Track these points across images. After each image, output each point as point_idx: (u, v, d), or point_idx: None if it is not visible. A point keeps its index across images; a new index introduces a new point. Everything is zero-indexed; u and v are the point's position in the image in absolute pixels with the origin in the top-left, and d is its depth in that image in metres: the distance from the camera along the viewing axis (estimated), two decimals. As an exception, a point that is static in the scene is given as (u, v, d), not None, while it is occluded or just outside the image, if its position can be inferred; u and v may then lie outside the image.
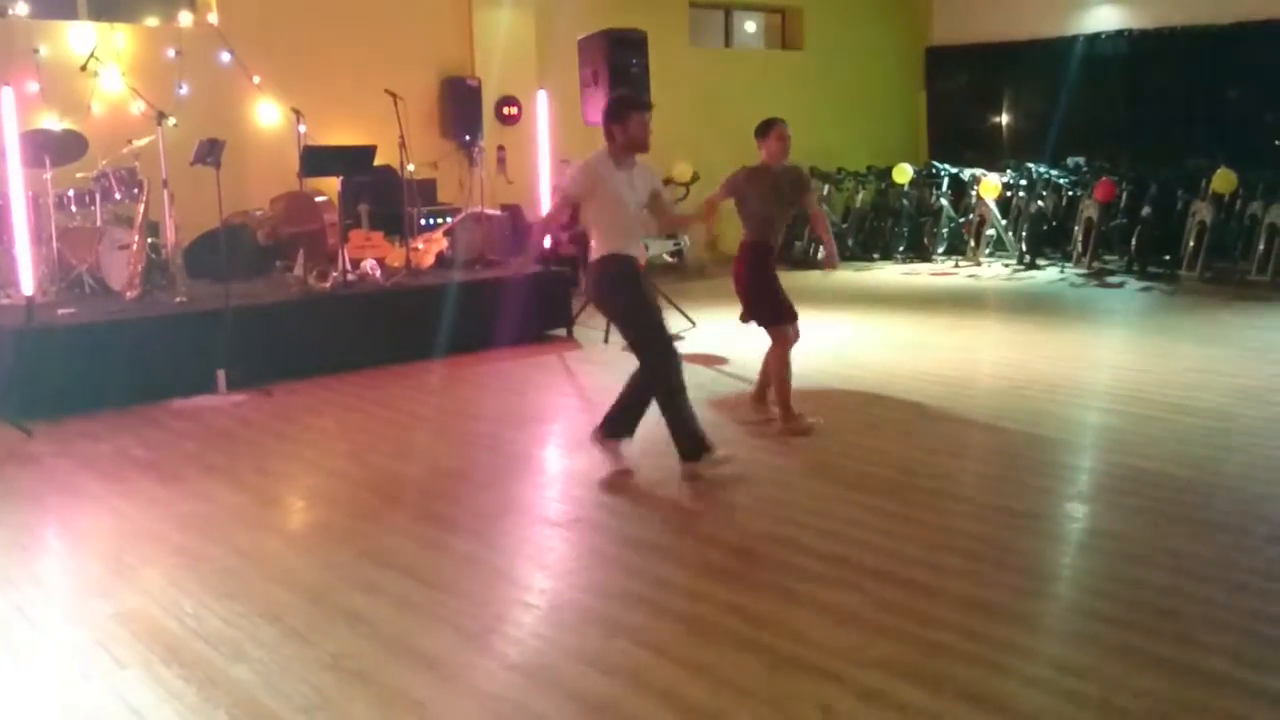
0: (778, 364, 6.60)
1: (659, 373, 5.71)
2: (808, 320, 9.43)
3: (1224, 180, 12.10)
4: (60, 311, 7.86)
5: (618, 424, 5.87)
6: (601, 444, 5.90)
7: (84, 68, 9.38)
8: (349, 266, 9.04)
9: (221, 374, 7.74)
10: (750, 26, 15.91)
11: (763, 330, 6.71)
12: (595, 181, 5.67)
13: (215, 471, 6.11)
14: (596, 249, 5.78)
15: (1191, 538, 4.88)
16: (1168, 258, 12.64)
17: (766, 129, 6.57)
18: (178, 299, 8.28)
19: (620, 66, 9.86)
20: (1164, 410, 6.96)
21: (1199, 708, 3.42)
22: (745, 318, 6.74)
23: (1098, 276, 12.67)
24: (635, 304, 5.75)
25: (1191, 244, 12.32)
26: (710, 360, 8.75)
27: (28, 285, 7.54)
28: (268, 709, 3.55)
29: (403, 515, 5.40)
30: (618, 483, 5.85)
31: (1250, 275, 11.85)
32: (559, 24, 12.37)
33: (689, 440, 5.77)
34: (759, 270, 6.59)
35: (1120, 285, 12.16)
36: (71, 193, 8.78)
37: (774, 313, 6.61)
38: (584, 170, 5.72)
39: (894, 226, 14.66)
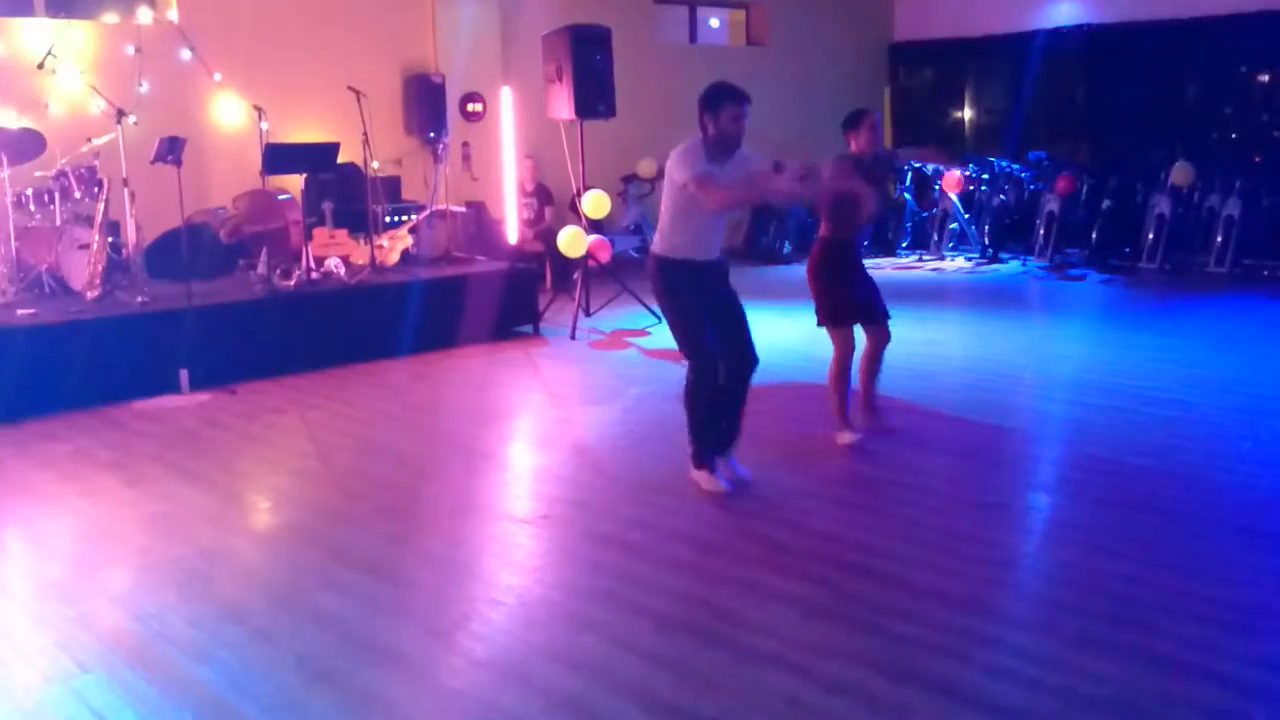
0: (832, 366, 6.26)
1: (695, 394, 5.42)
2: (774, 314, 9.53)
3: (1182, 173, 12.25)
4: (19, 312, 7.77)
5: (708, 444, 5.54)
6: (706, 474, 5.53)
7: (41, 65, 9.25)
8: (313, 265, 8.99)
9: (184, 374, 7.68)
10: (714, 22, 15.92)
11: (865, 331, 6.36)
12: (705, 160, 5.18)
13: (179, 472, 6.06)
14: (662, 240, 5.37)
15: (1151, 527, 4.94)
16: (1128, 250, 12.77)
17: (859, 120, 6.25)
18: (139, 299, 8.19)
19: (584, 62, 9.85)
20: (1124, 401, 7.04)
21: (1159, 694, 3.47)
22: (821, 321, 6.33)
23: (1059, 269, 12.78)
24: (682, 315, 5.37)
25: (1151, 236, 12.46)
26: (676, 356, 8.69)
27: (-14, 286, 7.45)
28: (233, 710, 3.53)
29: (369, 514, 5.38)
30: (585, 479, 5.86)
31: (1209, 267, 12.00)
32: (523, 20, 12.34)
33: (701, 449, 5.54)
34: (833, 266, 6.23)
35: (1081, 278, 12.28)
36: (30, 192, 8.67)
37: (835, 313, 6.24)
38: (691, 149, 5.17)
39: (858, 221, 14.68)
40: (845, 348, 6.25)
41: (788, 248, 13.92)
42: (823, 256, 6.27)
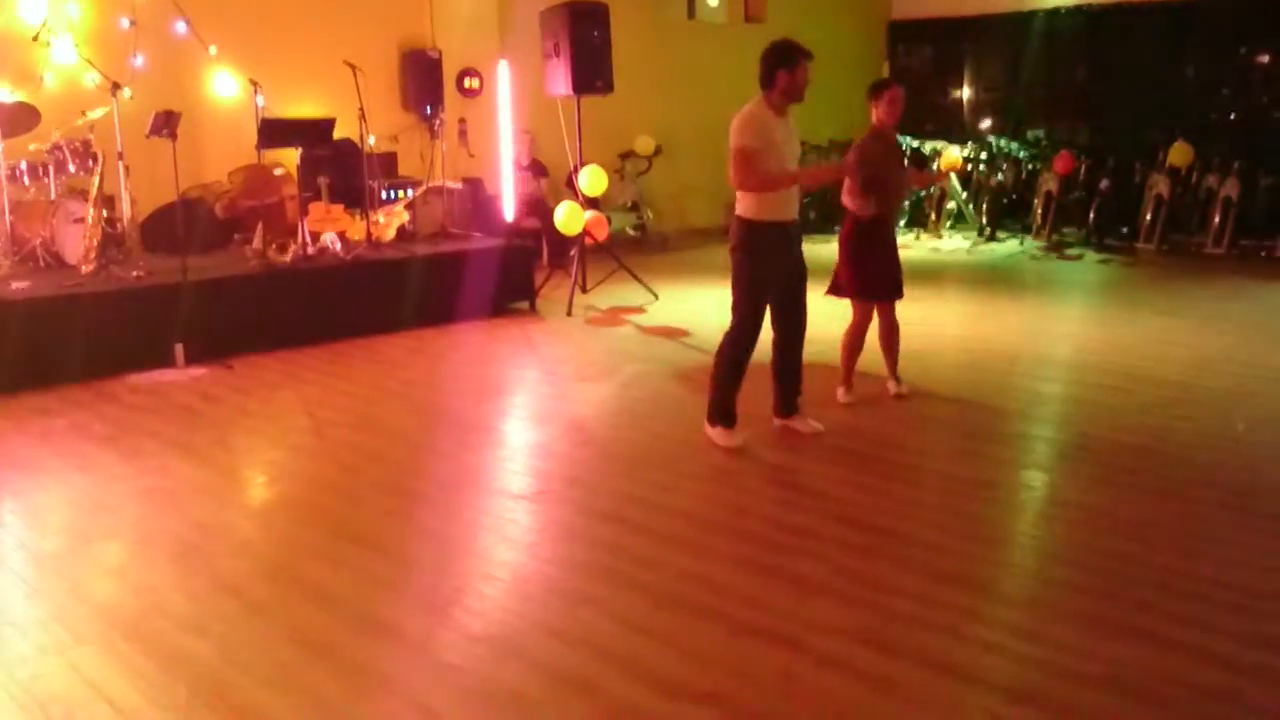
0: (846, 334, 6.60)
1: (737, 342, 5.74)
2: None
3: (1180, 153, 12.23)
4: (14, 285, 7.73)
5: (780, 402, 6.02)
6: (722, 430, 5.84)
7: (36, 38, 9.18)
8: (309, 240, 8.95)
9: (180, 348, 7.65)
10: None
11: (887, 307, 6.62)
12: (763, 135, 5.51)
13: (175, 446, 6.05)
14: (749, 210, 5.63)
15: (1148, 506, 4.95)
16: (1125, 230, 12.75)
17: (880, 90, 6.47)
18: (134, 273, 8.16)
19: (582, 38, 9.80)
20: (1122, 380, 7.04)
21: (1155, 672, 3.48)
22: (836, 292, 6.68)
23: (1057, 249, 12.76)
24: (753, 275, 5.66)
25: (1149, 217, 12.44)
26: (673, 333, 8.75)
27: (-20, 259, 7.41)
28: (229, 683, 3.53)
29: (364, 488, 5.38)
30: (581, 456, 5.86)
31: (1207, 248, 11.98)
32: (520, -5, 12.25)
33: (721, 407, 5.83)
34: (865, 243, 6.46)
35: (1079, 258, 12.26)
36: (25, 165, 8.62)
37: (861, 287, 6.51)
38: (749, 120, 5.52)
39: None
40: (864, 319, 6.58)
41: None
42: (855, 232, 6.49)
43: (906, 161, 6.92)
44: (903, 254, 6.75)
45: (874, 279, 6.48)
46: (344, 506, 5.13)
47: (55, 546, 4.73)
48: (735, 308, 5.75)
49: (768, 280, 5.70)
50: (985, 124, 15.40)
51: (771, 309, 5.79)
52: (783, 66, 5.55)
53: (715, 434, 5.85)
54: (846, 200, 6.48)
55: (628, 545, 4.60)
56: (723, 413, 5.83)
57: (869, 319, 6.59)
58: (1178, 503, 4.99)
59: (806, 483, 5.39)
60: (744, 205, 5.66)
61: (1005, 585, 4.29)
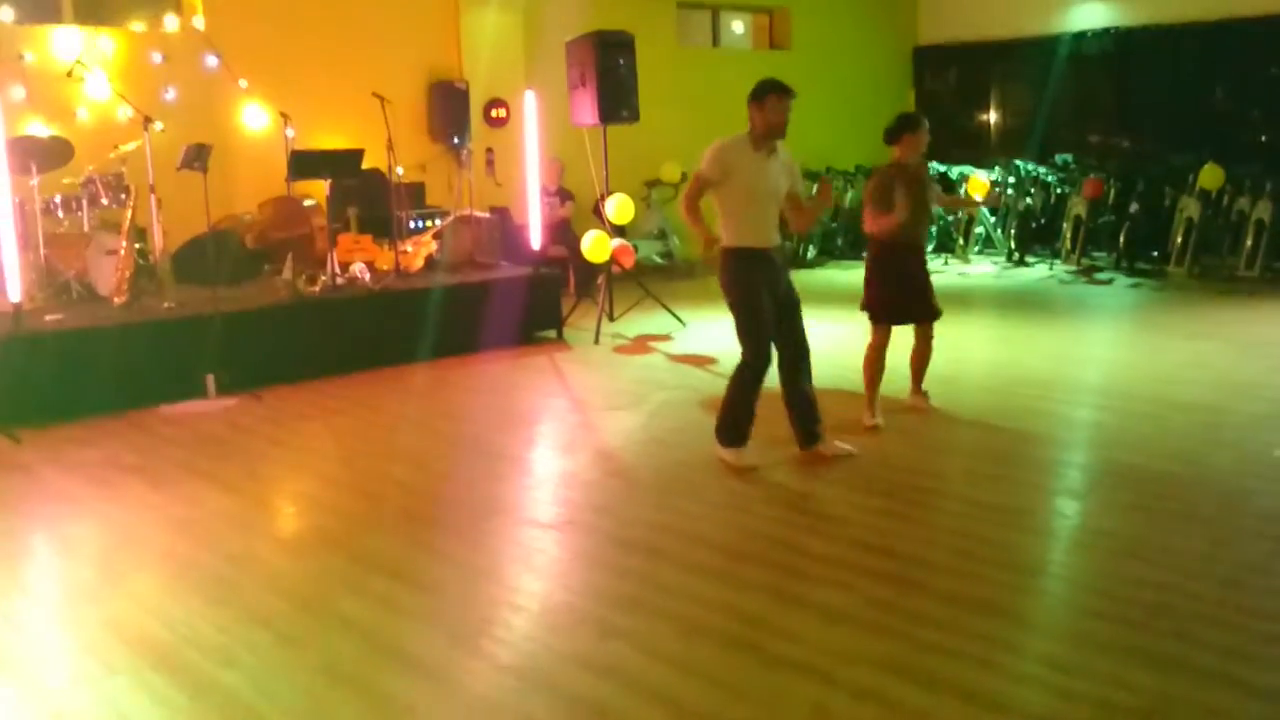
0: (867, 355, 6.70)
1: (748, 368, 5.80)
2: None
3: (1211, 176, 12.13)
4: (48, 318, 7.83)
5: (799, 434, 6.02)
6: (734, 451, 5.91)
7: (70, 73, 9.34)
8: (338, 270, 9.02)
9: (211, 379, 7.71)
10: (738, 27, 15.90)
11: (922, 329, 6.84)
12: (726, 166, 5.66)
13: (205, 477, 6.08)
14: (725, 238, 5.79)
15: (1183, 533, 4.88)
16: (1156, 254, 12.67)
17: (897, 135, 6.59)
18: (166, 304, 8.24)
19: (608, 68, 9.86)
20: (1154, 406, 6.97)
21: (1191, 703, 3.43)
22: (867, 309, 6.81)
23: (1086, 273, 12.69)
24: (743, 301, 5.77)
25: (1179, 240, 12.34)
26: (700, 360, 8.74)
27: (14, 292, 7.50)
28: (260, 714, 3.53)
29: (392, 518, 5.39)
30: (609, 485, 5.85)
31: (1239, 271, 11.87)
32: (547, 25, 12.34)
33: (732, 428, 5.89)
34: (880, 267, 6.66)
35: (1109, 282, 12.18)
36: (59, 198, 8.74)
37: (873, 308, 6.70)
38: (716, 152, 5.69)
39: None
40: (879, 340, 6.68)
41: (812, 251, 13.89)
42: (871, 255, 6.73)
43: (933, 189, 6.97)
44: (933, 279, 6.79)
45: (879, 302, 6.66)
46: (373, 537, 5.13)
47: (87, 578, 4.76)
48: (740, 334, 5.84)
49: (757, 297, 5.75)
50: (1013, 148, 15.33)
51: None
52: (754, 101, 5.68)
53: (726, 454, 5.90)
54: (866, 226, 6.67)
55: (656, 575, 4.58)
56: (733, 432, 5.88)
57: (884, 340, 6.68)
58: (1212, 530, 4.92)
59: (833, 510, 5.35)
60: (723, 235, 5.83)
61: (1037, 615, 4.24)
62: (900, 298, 6.65)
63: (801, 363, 5.92)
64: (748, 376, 5.80)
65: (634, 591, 4.42)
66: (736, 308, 5.81)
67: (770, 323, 5.77)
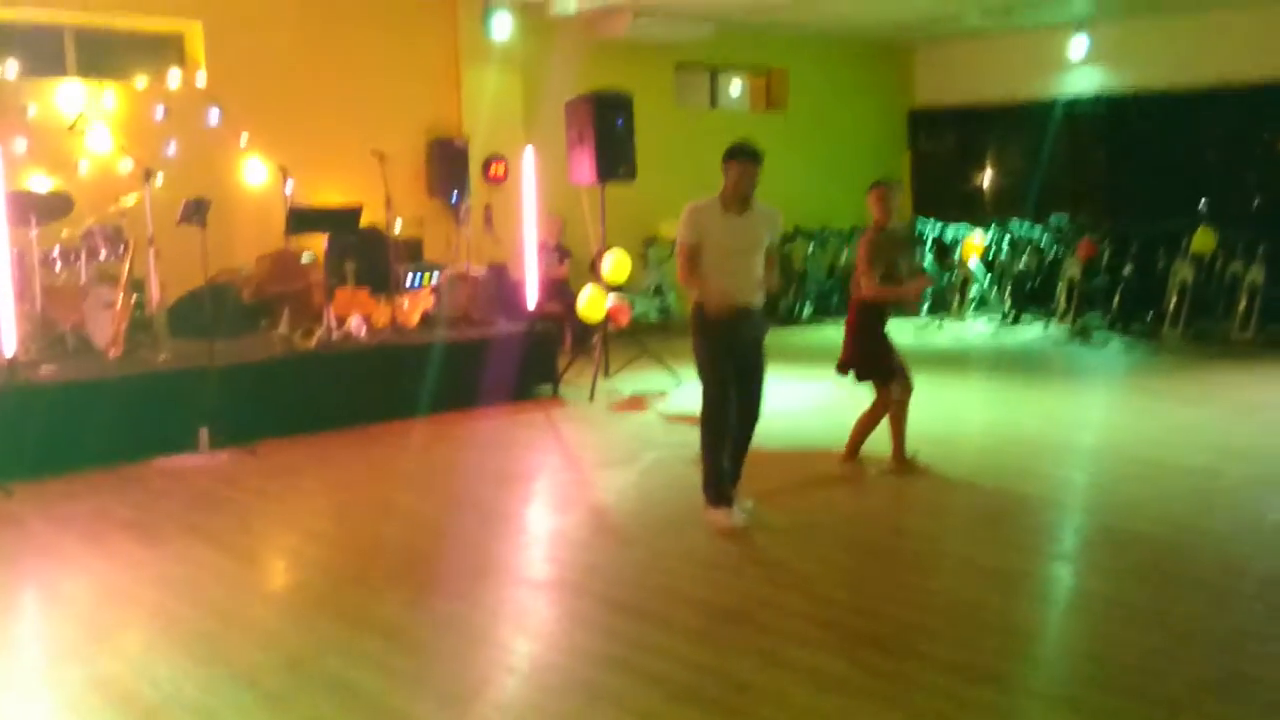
0: (893, 412, 6.78)
1: (707, 423, 5.90)
2: (792, 381, 9.52)
3: (1204, 240, 12.21)
4: (43, 369, 7.82)
5: (724, 481, 6.02)
6: (722, 512, 5.95)
7: (72, 127, 9.42)
8: (334, 325, 9.03)
9: (204, 432, 7.69)
10: (735, 88, 16.08)
11: (865, 386, 6.92)
12: (699, 228, 5.79)
13: (197, 532, 6.05)
14: (698, 294, 5.88)
15: (1177, 598, 4.86)
16: (1150, 316, 12.72)
17: (891, 191, 6.80)
18: (161, 357, 8.25)
19: (606, 127, 9.95)
20: (1148, 469, 6.97)
21: (1186, 773, 3.39)
22: (845, 370, 6.88)
23: (1081, 334, 12.72)
24: (703, 356, 5.90)
25: (1173, 302, 12.40)
26: (694, 419, 8.70)
27: (9, 344, 7.51)
28: (243, 777, 3.49)
29: (384, 576, 5.35)
30: (601, 543, 5.83)
31: (1233, 334, 11.91)
32: (546, 84, 12.46)
33: (713, 487, 5.93)
34: (874, 329, 6.77)
35: (1103, 343, 12.22)
36: (57, 250, 8.77)
37: (887, 371, 6.78)
38: (688, 215, 5.84)
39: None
40: (902, 393, 6.75)
41: (808, 309, 13.93)
42: (861, 320, 6.79)
43: (921, 253, 7.15)
44: (928, 339, 6.82)
45: (888, 362, 6.78)
46: (363, 595, 5.10)
47: (74, 634, 4.71)
48: (702, 383, 5.95)
49: (718, 347, 5.84)
50: (1007, 209, 15.44)
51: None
52: (723, 163, 5.81)
53: (714, 517, 5.91)
54: (864, 291, 6.78)
55: (645, 637, 4.54)
56: (713, 491, 5.93)
57: (907, 390, 6.80)
58: (1208, 595, 4.89)
59: (827, 574, 5.32)
60: (698, 293, 5.91)
61: (1034, 682, 4.20)
62: (889, 355, 6.77)
63: (746, 429, 6.00)
64: (710, 422, 5.89)
65: (624, 654, 4.38)
66: (698, 365, 5.97)
67: (728, 380, 5.85)
